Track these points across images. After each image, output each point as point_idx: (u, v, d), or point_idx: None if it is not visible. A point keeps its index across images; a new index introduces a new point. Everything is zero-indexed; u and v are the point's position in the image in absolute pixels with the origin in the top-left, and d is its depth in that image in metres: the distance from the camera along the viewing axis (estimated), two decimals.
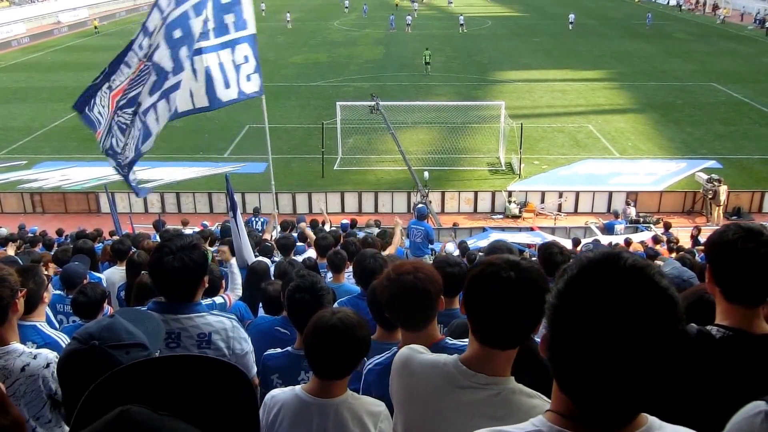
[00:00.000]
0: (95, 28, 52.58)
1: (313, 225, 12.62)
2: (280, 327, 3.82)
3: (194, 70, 7.72)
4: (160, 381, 1.13)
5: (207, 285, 3.16)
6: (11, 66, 39.76)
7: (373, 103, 20.71)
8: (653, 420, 1.25)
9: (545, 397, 1.77)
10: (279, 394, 2.52)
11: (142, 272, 5.10)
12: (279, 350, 3.26)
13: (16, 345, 2.78)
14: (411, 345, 2.12)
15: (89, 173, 21.92)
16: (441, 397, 1.91)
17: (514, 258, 1.90)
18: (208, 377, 1.15)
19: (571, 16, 50.07)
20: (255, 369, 3.25)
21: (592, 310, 1.15)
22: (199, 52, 7.73)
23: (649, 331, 1.13)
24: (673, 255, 12.15)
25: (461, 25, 48.27)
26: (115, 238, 10.83)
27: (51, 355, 2.78)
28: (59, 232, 14.68)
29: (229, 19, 8.04)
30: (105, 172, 21.90)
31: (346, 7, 60.54)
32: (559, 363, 1.22)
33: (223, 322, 3.06)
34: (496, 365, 1.85)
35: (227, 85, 8.16)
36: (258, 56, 8.61)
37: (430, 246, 11.33)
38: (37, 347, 3.23)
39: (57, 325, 4.83)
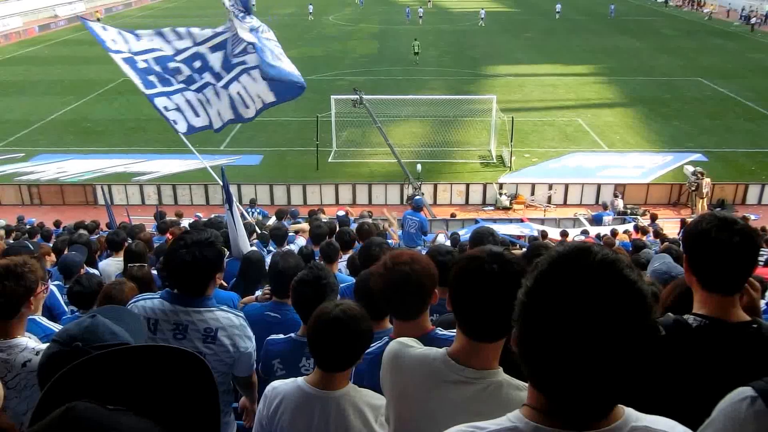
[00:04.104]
0: (98, 20, 52.77)
1: (311, 215, 12.97)
2: (270, 311, 3.85)
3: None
4: (117, 373, 1.10)
5: (220, 281, 3.19)
6: (8, 59, 39.75)
7: (356, 96, 20.61)
8: (630, 411, 1.25)
9: None
10: (280, 385, 2.52)
11: (129, 265, 5.16)
12: (282, 336, 3.26)
13: (20, 339, 2.74)
14: (400, 339, 2.10)
15: (86, 165, 22.17)
16: (430, 393, 1.90)
17: (497, 249, 1.89)
18: (166, 366, 1.13)
19: (558, 6, 53.30)
20: (254, 366, 3.25)
21: (562, 306, 1.14)
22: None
23: (618, 326, 1.12)
24: (652, 236, 12.64)
25: (481, 19, 50.28)
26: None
27: None
28: (57, 224, 14.75)
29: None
30: (101, 165, 22.27)
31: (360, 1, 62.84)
32: (530, 359, 1.20)
33: (231, 319, 3.04)
34: (484, 358, 1.85)
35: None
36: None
37: (423, 237, 11.46)
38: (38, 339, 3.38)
39: (66, 309, 5.00)
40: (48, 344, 1.92)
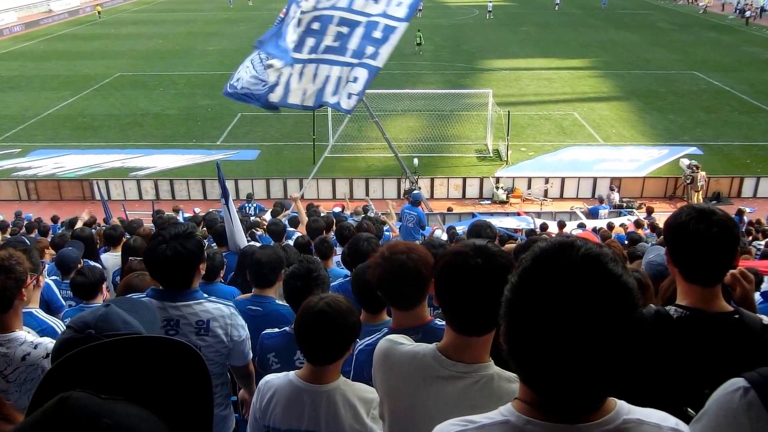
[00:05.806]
0: (98, 13, 53.35)
1: (309, 209, 12.98)
2: (252, 305, 3.86)
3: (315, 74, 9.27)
4: (112, 363, 1.11)
5: (204, 272, 3.17)
6: (3, 55, 39.62)
7: None
8: (621, 404, 1.26)
9: None
10: (273, 379, 2.53)
11: (130, 258, 5.13)
12: (277, 330, 3.27)
13: (19, 333, 2.74)
14: (390, 336, 2.11)
15: (83, 161, 22.18)
16: (422, 389, 1.90)
17: (481, 243, 1.88)
18: (160, 357, 1.14)
19: None
20: (251, 355, 3.25)
21: (547, 302, 1.14)
22: (330, 62, 9.25)
23: (604, 320, 1.12)
24: (649, 230, 12.70)
25: (489, 12, 50.72)
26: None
27: (51, 345, 2.70)
28: (54, 219, 14.77)
29: (369, 50, 9.35)
30: (98, 160, 22.27)
31: None
32: (518, 355, 1.21)
33: (221, 309, 3.06)
34: (474, 352, 1.85)
35: (334, 93, 9.51)
36: (366, 87, 9.71)
37: (422, 231, 11.48)
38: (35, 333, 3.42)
39: (63, 303, 5.04)
40: (63, 330, 1.93)
